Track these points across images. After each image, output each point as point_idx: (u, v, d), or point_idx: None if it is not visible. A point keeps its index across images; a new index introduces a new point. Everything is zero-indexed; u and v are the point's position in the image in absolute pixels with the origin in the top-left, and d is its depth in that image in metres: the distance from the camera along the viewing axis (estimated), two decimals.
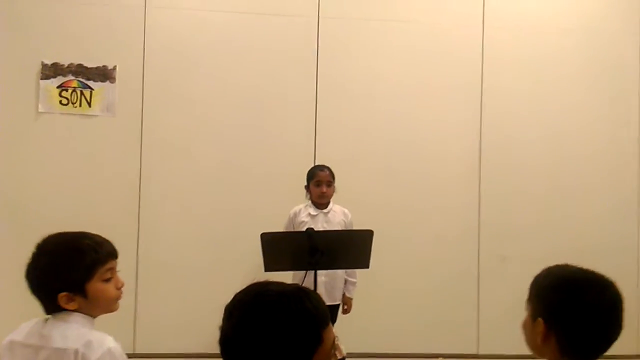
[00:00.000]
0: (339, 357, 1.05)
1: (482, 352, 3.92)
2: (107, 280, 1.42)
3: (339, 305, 3.26)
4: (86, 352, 1.32)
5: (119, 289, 1.44)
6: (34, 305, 1.42)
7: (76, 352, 1.32)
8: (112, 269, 1.44)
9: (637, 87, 4.08)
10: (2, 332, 1.45)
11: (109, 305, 1.43)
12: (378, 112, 3.90)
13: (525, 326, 1.27)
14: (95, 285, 1.39)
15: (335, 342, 1.09)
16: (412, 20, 3.93)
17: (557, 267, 1.29)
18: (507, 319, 3.78)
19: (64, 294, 1.36)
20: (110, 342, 1.35)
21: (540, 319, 1.19)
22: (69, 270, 1.36)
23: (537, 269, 4.04)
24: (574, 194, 4.01)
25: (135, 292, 3.63)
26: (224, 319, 1.06)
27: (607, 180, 4.04)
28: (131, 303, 3.59)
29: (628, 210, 4.06)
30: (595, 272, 1.26)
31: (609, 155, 4.05)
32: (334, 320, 3.22)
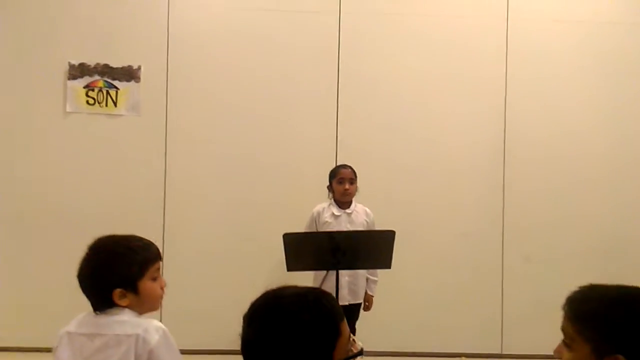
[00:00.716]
0: (354, 352, 1.09)
1: (505, 351, 3.88)
2: (155, 279, 1.51)
3: (361, 303, 3.27)
4: (146, 336, 1.42)
5: (162, 288, 1.54)
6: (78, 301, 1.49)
7: (137, 336, 1.42)
8: (159, 269, 1.54)
9: None
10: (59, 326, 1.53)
11: (155, 303, 1.53)
12: (400, 107, 3.88)
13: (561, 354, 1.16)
14: (146, 283, 1.49)
15: (351, 337, 1.12)
16: (433, 14, 3.89)
17: (594, 289, 1.18)
18: (531, 318, 3.81)
19: (118, 290, 1.45)
20: (162, 325, 1.47)
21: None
22: (125, 267, 1.46)
23: (560, 269, 3.98)
24: (598, 191, 3.94)
25: None
26: (243, 327, 1.08)
27: (632, 175, 3.95)
28: None
29: None
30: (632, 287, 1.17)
31: (635, 150, 3.96)
32: (356, 318, 3.23)
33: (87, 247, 1.51)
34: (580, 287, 1.21)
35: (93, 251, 1.50)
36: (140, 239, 1.54)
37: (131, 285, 1.47)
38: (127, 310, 1.47)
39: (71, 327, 1.49)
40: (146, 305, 1.50)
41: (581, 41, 3.93)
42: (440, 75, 3.90)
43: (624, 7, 3.97)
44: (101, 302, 1.47)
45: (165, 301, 4.00)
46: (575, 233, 3.90)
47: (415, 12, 3.89)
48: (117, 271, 1.46)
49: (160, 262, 1.55)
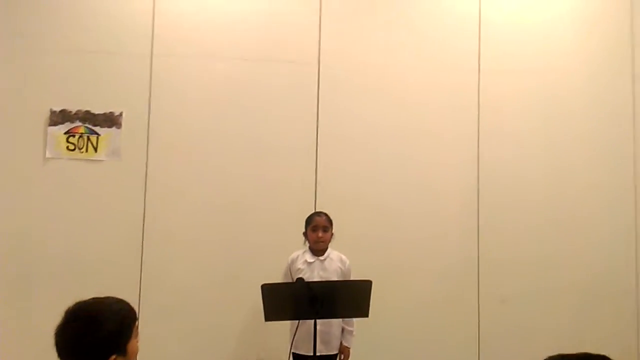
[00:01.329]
0: None
1: None
2: (136, 336, 1.55)
3: (336, 355, 3.27)
4: None
5: (138, 342, 1.56)
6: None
7: None
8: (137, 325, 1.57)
9: (630, 124, 4.16)
10: None
11: (135, 359, 1.54)
12: (378, 155, 3.97)
13: None
14: (132, 343, 1.51)
15: None
16: (410, 66, 4.04)
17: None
18: (507, 358, 3.85)
19: (113, 356, 1.45)
20: None
21: None
22: (117, 334, 1.47)
23: (536, 309, 4.04)
24: (573, 228, 4.06)
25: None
26: None
27: (606, 213, 4.09)
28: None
29: (627, 243, 4.09)
30: (591, 355, 1.23)
31: (607, 188, 4.11)
32: None
33: (64, 316, 1.47)
34: (548, 357, 1.26)
35: (73, 318, 1.46)
36: (117, 300, 1.54)
37: (123, 349, 1.48)
38: None
39: None
40: None
41: (530, 90, 4.12)
42: (417, 126, 4.02)
43: (585, 58, 4.16)
44: None
45: (142, 351, 3.98)
46: (551, 274, 4.00)
47: (392, 63, 4.02)
48: (110, 338, 1.45)
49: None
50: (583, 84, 4.17)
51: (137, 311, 3.76)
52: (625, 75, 4.21)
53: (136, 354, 1.54)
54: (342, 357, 3.29)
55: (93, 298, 1.53)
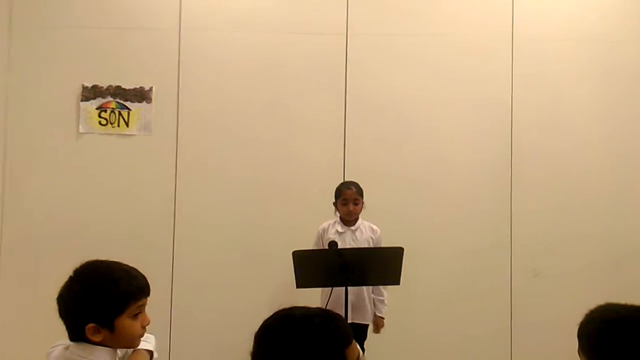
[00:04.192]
0: None
1: None
2: (136, 316, 1.39)
3: (367, 325, 3.26)
4: None
5: (144, 327, 1.41)
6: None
7: None
8: (143, 306, 1.41)
9: None
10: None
11: (132, 341, 1.41)
12: (406, 126, 3.91)
13: None
14: (124, 321, 1.36)
15: (361, 358, 1.15)
16: (438, 34, 3.95)
17: (599, 308, 1.22)
18: (540, 334, 3.78)
19: (91, 325, 1.34)
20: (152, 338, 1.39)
21: None
22: (102, 303, 1.34)
23: (569, 283, 3.98)
24: (605, 204, 3.94)
25: (170, 307, 3.72)
26: (253, 345, 1.13)
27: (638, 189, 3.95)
28: (166, 318, 3.67)
29: None
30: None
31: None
32: (364, 338, 3.22)
33: (72, 271, 1.40)
34: (596, 307, 1.25)
35: (74, 278, 1.38)
36: (128, 270, 1.40)
37: (107, 323, 1.34)
38: (100, 350, 1.35)
39: None
40: (121, 343, 1.38)
41: (584, 59, 3.97)
42: (447, 95, 3.94)
43: (626, 25, 4.00)
44: (73, 333, 1.37)
45: (175, 320, 4.06)
46: (584, 247, 3.90)
47: (420, 33, 3.95)
48: (93, 307, 1.33)
49: (147, 298, 1.41)
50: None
51: (170, 285, 3.82)
52: None
53: (133, 337, 1.39)
54: (376, 327, 3.28)
55: (110, 261, 1.43)
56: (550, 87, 3.96)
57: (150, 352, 1.46)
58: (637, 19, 4.01)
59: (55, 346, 1.42)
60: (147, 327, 1.43)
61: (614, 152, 3.96)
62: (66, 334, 1.41)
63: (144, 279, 1.42)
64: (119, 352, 1.41)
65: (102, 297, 1.34)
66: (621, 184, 3.95)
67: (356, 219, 3.31)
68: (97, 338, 1.35)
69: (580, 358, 1.22)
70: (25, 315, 3.62)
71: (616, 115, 3.97)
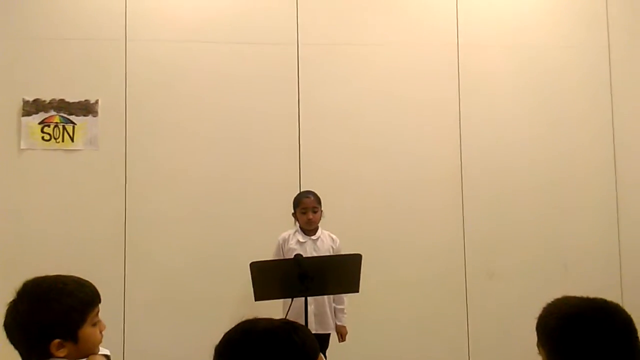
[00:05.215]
0: None
1: None
2: (95, 324, 1.39)
3: (329, 334, 3.24)
4: None
5: (101, 332, 1.42)
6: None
7: None
8: (98, 312, 1.42)
9: (608, 96, 4.18)
10: None
11: (94, 349, 1.40)
12: (360, 134, 3.94)
13: None
14: (86, 330, 1.36)
15: None
16: (386, 43, 4.00)
17: (557, 302, 1.24)
18: (496, 335, 3.85)
19: (57, 341, 1.32)
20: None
21: None
22: (63, 317, 1.33)
23: (523, 284, 4.07)
24: (556, 203, 4.07)
25: (123, 327, 3.58)
26: (214, 358, 1.06)
27: (587, 183, 4.10)
28: (119, 338, 3.53)
29: (609, 216, 4.12)
30: (597, 300, 1.22)
31: (590, 158, 4.12)
32: (325, 348, 3.19)
33: (16, 292, 1.36)
34: (553, 300, 1.27)
35: (23, 296, 1.35)
36: (77, 280, 1.40)
37: (71, 335, 1.33)
38: None
39: None
40: (85, 353, 1.37)
41: (519, 63, 4.11)
42: (397, 102, 3.99)
43: (564, 32, 4.18)
44: (35, 354, 1.32)
45: (127, 341, 3.90)
46: (536, 247, 4.00)
47: (370, 42, 4.00)
48: (54, 321, 1.31)
49: (99, 304, 1.42)
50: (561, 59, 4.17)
51: (122, 303, 3.68)
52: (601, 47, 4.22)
53: (95, 344, 1.39)
54: (342, 336, 3.27)
55: (54, 275, 1.40)
56: (493, 90, 4.09)
57: (107, 357, 1.45)
58: (565, 26, 4.19)
59: None
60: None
61: (553, 151, 4.09)
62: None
63: (92, 285, 1.42)
64: None
65: (62, 310, 1.33)
66: (565, 182, 4.10)
67: (316, 229, 3.30)
68: (62, 353, 1.33)
69: (540, 351, 1.23)
70: None
71: (560, 107, 4.12)
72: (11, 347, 1.36)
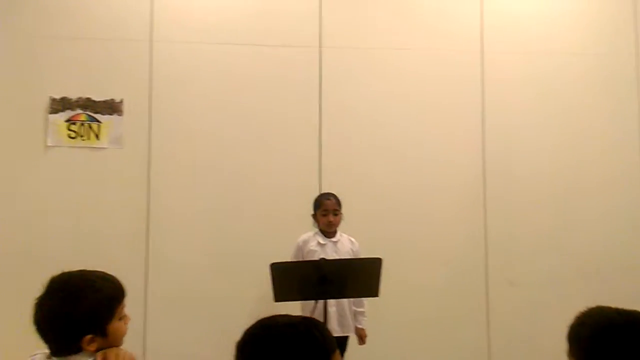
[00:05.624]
0: None
1: None
2: (121, 318, 1.42)
3: (348, 337, 3.23)
4: None
5: (126, 324, 1.46)
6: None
7: None
8: (124, 306, 1.45)
9: (636, 104, 4.10)
10: None
11: (120, 342, 1.43)
12: (381, 138, 3.92)
13: None
14: (114, 325, 1.39)
15: None
16: (409, 47, 3.98)
17: (590, 312, 1.21)
18: (518, 343, 3.80)
19: (89, 336, 1.35)
20: None
21: None
22: (94, 313, 1.36)
23: (547, 291, 3.99)
24: (579, 212, 4.00)
25: (144, 324, 3.61)
26: (235, 355, 1.08)
27: (611, 190, 4.03)
28: (140, 335, 3.56)
29: (634, 223, 4.04)
30: (632, 312, 1.19)
31: (614, 166, 4.05)
32: (344, 351, 3.18)
33: (45, 287, 1.39)
34: (587, 310, 1.24)
35: (52, 292, 1.37)
36: (103, 276, 1.42)
37: (100, 330, 1.36)
38: (90, 354, 1.35)
39: None
40: (113, 346, 1.40)
41: (543, 70, 4.06)
42: (420, 106, 3.97)
43: (589, 39, 4.11)
44: (65, 349, 1.35)
45: (148, 339, 3.94)
46: (560, 255, 3.94)
47: (392, 46, 3.97)
48: (84, 316, 1.34)
49: (124, 298, 1.45)
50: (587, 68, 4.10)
51: (143, 299, 3.72)
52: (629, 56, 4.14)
53: (121, 337, 1.43)
54: (361, 339, 3.25)
55: (80, 270, 1.43)
56: (517, 97, 4.03)
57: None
58: (591, 33, 4.11)
59: (35, 355, 1.40)
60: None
61: (577, 158, 4.03)
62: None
63: (117, 279, 1.45)
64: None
65: (91, 306, 1.35)
66: (589, 190, 4.02)
67: (336, 231, 3.29)
68: (92, 347, 1.36)
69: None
70: None
71: (586, 118, 4.06)
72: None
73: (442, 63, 4.00)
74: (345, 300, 3.14)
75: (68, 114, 3.71)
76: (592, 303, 1.24)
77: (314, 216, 3.31)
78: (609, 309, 1.20)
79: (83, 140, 3.71)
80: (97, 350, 1.36)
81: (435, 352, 3.80)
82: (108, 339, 1.38)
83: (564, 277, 3.93)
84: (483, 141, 3.99)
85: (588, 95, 4.08)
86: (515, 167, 3.99)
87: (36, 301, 1.38)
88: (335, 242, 3.25)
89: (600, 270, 3.96)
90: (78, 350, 1.35)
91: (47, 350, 1.38)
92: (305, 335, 1.06)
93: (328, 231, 3.26)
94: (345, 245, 3.26)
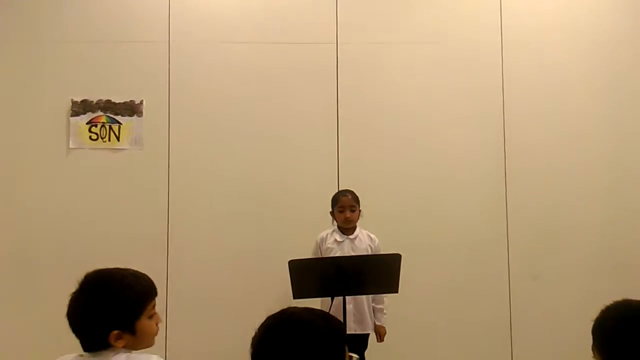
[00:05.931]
0: None
1: None
2: (151, 316, 1.44)
3: (368, 334, 3.21)
4: None
5: (157, 325, 1.47)
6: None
7: None
8: (155, 305, 1.47)
9: None
10: None
11: (151, 341, 1.45)
12: (399, 133, 3.90)
13: None
14: (143, 322, 1.41)
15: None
16: (428, 42, 3.95)
17: (616, 305, 1.19)
18: (541, 339, 3.74)
19: (115, 332, 1.37)
20: (156, 358, 1.39)
21: None
22: (122, 309, 1.38)
23: (571, 286, 3.93)
24: (603, 204, 3.92)
25: (165, 325, 3.65)
26: (254, 345, 1.10)
27: (636, 184, 3.93)
28: (161, 335, 3.59)
29: None
30: None
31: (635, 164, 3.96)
32: (364, 349, 3.17)
33: (78, 284, 1.42)
34: (612, 303, 1.22)
35: (84, 288, 1.41)
36: (135, 273, 1.45)
37: (128, 326, 1.38)
38: (121, 351, 1.38)
39: None
40: (142, 344, 1.43)
41: (570, 58, 3.98)
42: (438, 100, 3.93)
43: (612, 27, 4.03)
44: (95, 343, 1.38)
45: (169, 340, 3.97)
46: (583, 248, 3.87)
47: (410, 41, 3.94)
48: (114, 312, 1.37)
49: (156, 297, 1.47)
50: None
51: (164, 299, 3.74)
52: None
53: (151, 336, 1.44)
54: (380, 337, 3.24)
55: (113, 268, 1.46)
56: (540, 87, 3.97)
57: None
58: (611, 21, 4.03)
59: (64, 356, 1.43)
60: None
61: (613, 147, 3.95)
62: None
63: (149, 278, 1.47)
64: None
65: (121, 302, 1.38)
66: (619, 179, 3.94)
67: (354, 228, 3.28)
68: (120, 344, 1.38)
69: (594, 354, 1.19)
70: (16, 335, 3.55)
71: (607, 110, 3.98)
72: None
73: (461, 55, 3.94)
74: (363, 298, 3.13)
75: (89, 116, 3.77)
76: (617, 297, 1.22)
77: (332, 213, 3.31)
78: (636, 301, 1.18)
79: (104, 141, 3.77)
80: (124, 347, 1.38)
81: (456, 349, 3.77)
82: (136, 337, 1.39)
83: (590, 271, 3.86)
84: (504, 134, 3.93)
85: (613, 83, 3.97)
86: (537, 159, 3.91)
87: (70, 296, 1.42)
88: (352, 239, 3.24)
89: (624, 264, 3.88)
90: (107, 345, 1.37)
91: (78, 353, 1.40)
92: (323, 326, 1.08)
93: (346, 228, 3.26)
94: (364, 241, 3.25)
